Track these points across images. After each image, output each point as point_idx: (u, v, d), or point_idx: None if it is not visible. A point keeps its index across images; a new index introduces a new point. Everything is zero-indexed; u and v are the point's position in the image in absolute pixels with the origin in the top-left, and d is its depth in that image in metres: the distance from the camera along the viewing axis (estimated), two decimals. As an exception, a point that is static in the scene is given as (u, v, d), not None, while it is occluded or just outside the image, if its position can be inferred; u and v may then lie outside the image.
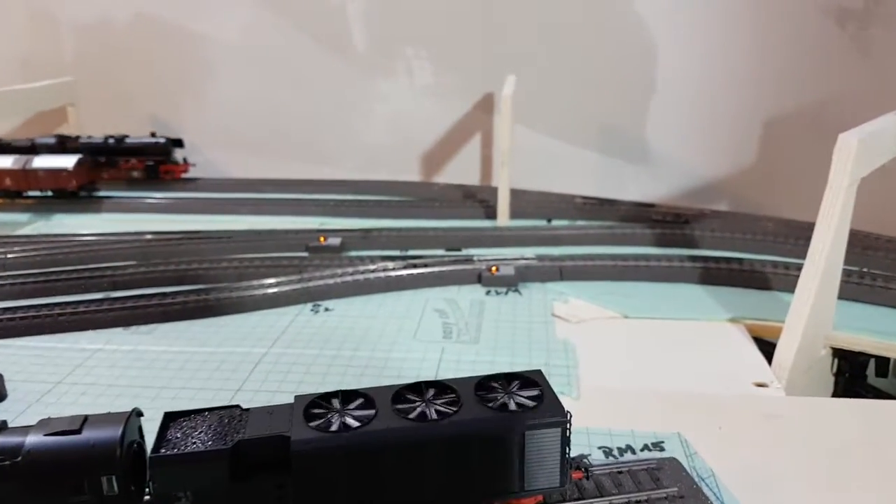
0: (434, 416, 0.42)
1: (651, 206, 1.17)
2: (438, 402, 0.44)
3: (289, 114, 1.53)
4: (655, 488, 0.48)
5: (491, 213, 1.17)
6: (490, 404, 0.44)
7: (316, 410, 0.42)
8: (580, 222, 1.15)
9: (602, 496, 0.47)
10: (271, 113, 1.54)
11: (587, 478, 0.47)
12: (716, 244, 1.00)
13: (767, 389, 0.67)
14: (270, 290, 0.81)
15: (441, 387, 0.45)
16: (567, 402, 0.62)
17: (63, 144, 1.31)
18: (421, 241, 1.03)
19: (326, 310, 0.80)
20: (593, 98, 1.49)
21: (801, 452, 0.57)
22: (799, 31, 1.41)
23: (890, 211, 1.08)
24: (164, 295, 0.79)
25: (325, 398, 0.43)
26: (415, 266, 0.89)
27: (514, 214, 1.18)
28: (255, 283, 0.83)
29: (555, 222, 1.16)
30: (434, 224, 1.10)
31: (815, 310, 0.70)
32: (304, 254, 0.97)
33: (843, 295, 0.83)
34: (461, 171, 1.52)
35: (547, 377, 0.66)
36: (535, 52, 1.47)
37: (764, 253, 0.96)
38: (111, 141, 1.32)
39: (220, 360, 0.68)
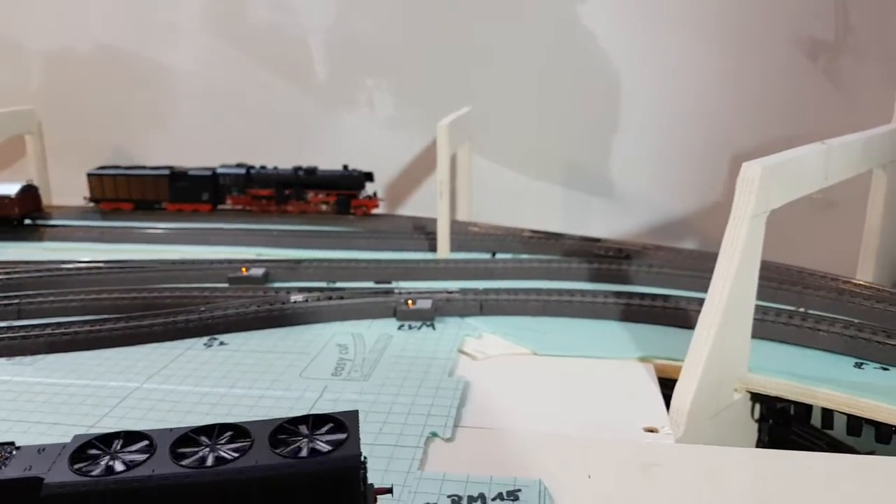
0: (211, 461, 0.39)
1: (597, 240, 1.14)
2: (227, 446, 0.41)
3: (250, 144, 1.53)
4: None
5: (435, 246, 1.15)
6: (279, 449, 0.41)
7: (90, 451, 0.40)
8: (523, 256, 1.12)
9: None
10: (233, 143, 1.54)
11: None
12: (651, 280, 0.96)
13: (656, 435, 0.62)
14: (159, 321, 0.79)
15: (239, 430, 0.42)
16: (436, 445, 0.60)
17: (248, 173, 1.33)
18: (351, 273, 1.01)
19: (221, 343, 0.78)
20: (557, 133, 1.47)
21: (671, 506, 0.53)
22: (769, 65, 1.38)
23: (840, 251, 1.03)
24: (57, 325, 0.78)
25: (105, 439, 0.41)
26: (329, 298, 0.87)
27: (461, 247, 1.15)
28: (152, 313, 0.81)
29: (499, 255, 1.13)
30: (368, 256, 1.08)
31: (718, 350, 0.65)
32: (224, 285, 0.95)
33: (778, 337, 0.79)
34: (422, 202, 1.50)
35: (426, 416, 0.64)
36: (497, 86, 1.46)
37: (698, 290, 0.92)
38: (301, 172, 1.30)
39: (88, 394, 0.65)
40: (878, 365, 0.72)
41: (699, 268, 0.97)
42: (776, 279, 0.91)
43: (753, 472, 0.57)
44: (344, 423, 0.44)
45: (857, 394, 0.67)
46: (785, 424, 0.74)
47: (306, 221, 1.27)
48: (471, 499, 0.52)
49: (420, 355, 0.76)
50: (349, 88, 1.49)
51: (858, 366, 0.73)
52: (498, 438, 0.61)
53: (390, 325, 0.84)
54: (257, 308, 0.83)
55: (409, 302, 0.86)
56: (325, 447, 0.41)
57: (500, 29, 1.42)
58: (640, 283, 0.96)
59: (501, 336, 0.82)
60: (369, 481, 0.45)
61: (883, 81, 1.26)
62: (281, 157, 1.52)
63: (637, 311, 0.85)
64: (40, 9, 1.56)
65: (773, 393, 0.71)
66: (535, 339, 0.81)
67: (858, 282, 0.91)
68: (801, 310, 0.84)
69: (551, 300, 0.89)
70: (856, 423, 0.68)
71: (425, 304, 0.86)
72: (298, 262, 1.01)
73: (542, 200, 1.51)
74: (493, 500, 0.51)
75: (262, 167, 1.34)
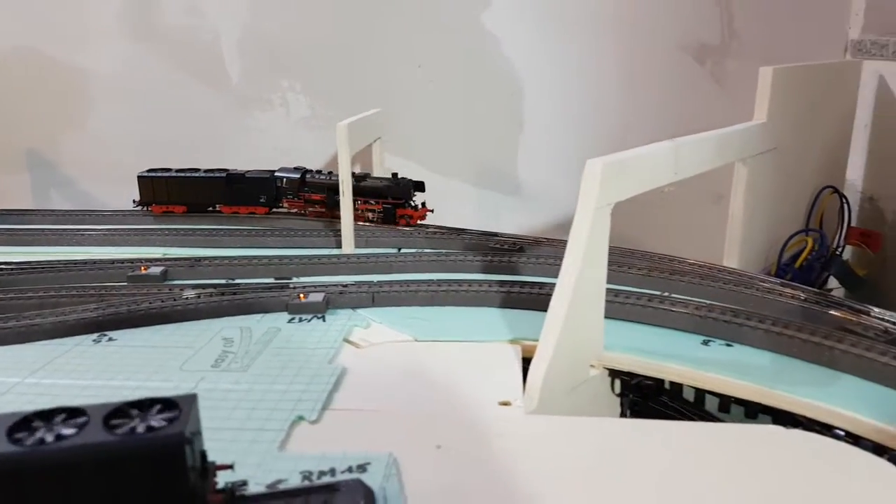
0: (50, 440, 0.42)
1: (495, 235, 1.19)
2: (63, 428, 0.44)
3: (166, 146, 1.54)
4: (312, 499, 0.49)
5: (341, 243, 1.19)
6: (111, 429, 0.44)
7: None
8: (426, 250, 1.16)
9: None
10: (149, 145, 1.55)
11: (231, 500, 0.47)
12: (536, 271, 1.02)
13: (509, 408, 0.68)
14: (49, 319, 0.81)
15: (76, 411, 0.45)
16: (301, 427, 0.64)
17: (304, 178, 1.31)
18: (251, 270, 1.04)
19: (110, 339, 0.80)
20: (468, 133, 1.53)
21: (513, 470, 0.58)
22: (661, 67, 1.47)
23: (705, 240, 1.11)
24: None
25: (-51, 424, 0.44)
26: (221, 294, 0.90)
27: (368, 244, 1.20)
28: (44, 312, 0.83)
29: (404, 250, 1.18)
30: (272, 253, 1.11)
31: (569, 329, 0.71)
32: (123, 283, 0.97)
33: (636, 318, 0.86)
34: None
35: (296, 402, 0.68)
36: (410, 87, 1.51)
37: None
38: (352, 179, 1.27)
39: (-37, 391, 0.67)
40: (723, 342, 0.79)
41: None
42: (647, 267, 0.98)
43: (593, 437, 0.63)
44: (178, 404, 0.47)
45: (701, 368, 0.74)
46: (642, 398, 0.80)
47: (212, 221, 1.28)
48: (321, 473, 0.56)
49: (304, 346, 0.80)
50: (263, 90, 1.52)
51: (706, 343, 0.79)
52: (361, 419, 0.65)
53: (281, 318, 0.88)
54: (149, 305, 0.86)
55: (301, 295, 0.89)
56: (158, 425, 0.45)
57: (412, 32, 1.47)
58: (526, 273, 1.02)
59: (388, 325, 0.87)
60: (217, 461, 0.48)
61: (762, 82, 1.35)
62: (198, 158, 1.53)
63: (515, 298, 0.91)
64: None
65: (626, 368, 0.77)
66: (419, 326, 0.85)
67: (722, 267, 0.99)
68: (666, 294, 0.91)
69: (440, 290, 0.94)
70: (700, 395, 0.75)
71: (317, 297, 0.90)
72: (198, 259, 1.04)
73: (456, 198, 1.56)
74: (343, 472, 0.56)
75: (318, 171, 1.32)
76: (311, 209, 1.32)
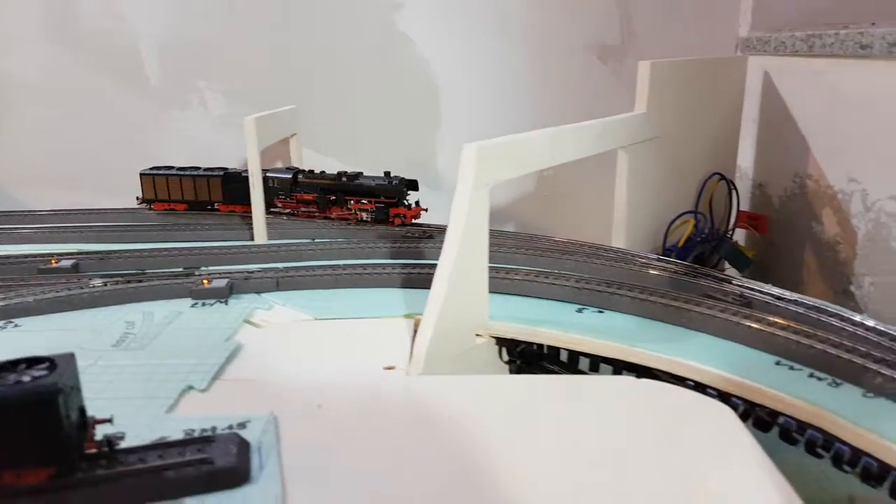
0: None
1: (408, 225, 1.25)
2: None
3: (89, 147, 1.56)
4: (187, 456, 0.53)
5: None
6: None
7: None
8: (340, 240, 1.21)
9: (123, 465, 0.51)
10: (72, 147, 1.56)
11: (109, 449, 0.51)
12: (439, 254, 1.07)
13: (392, 372, 0.73)
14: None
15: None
16: (191, 395, 0.68)
17: (296, 177, 1.29)
18: (161, 261, 1.07)
19: (16, 326, 0.83)
20: (388, 129, 1.58)
21: (386, 422, 0.63)
22: (568, 66, 1.55)
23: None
24: None
25: None
26: (128, 282, 0.93)
27: (283, 236, 1.24)
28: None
29: (318, 240, 1.22)
30: (184, 245, 1.14)
31: (452, 301, 0.77)
32: (34, 276, 0.99)
33: (520, 291, 0.92)
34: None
35: (188, 374, 0.71)
36: (328, 85, 1.55)
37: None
38: (344, 178, 1.26)
39: None
40: (595, 309, 0.86)
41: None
42: (541, 248, 1.05)
43: (464, 392, 0.68)
44: (55, 362, 0.51)
45: (575, 332, 0.81)
46: (526, 363, 0.87)
47: (118, 219, 1.31)
48: (203, 430, 0.60)
49: (203, 326, 0.83)
50: (182, 90, 1.54)
51: (580, 311, 0.86)
52: (250, 388, 0.69)
53: (185, 303, 0.91)
54: (56, 293, 0.88)
55: (205, 281, 0.93)
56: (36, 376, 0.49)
57: (329, 32, 1.52)
58: (430, 257, 1.08)
59: (291, 307, 0.91)
60: (98, 416, 0.52)
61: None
62: (119, 160, 1.55)
63: (415, 278, 0.96)
64: None
65: (508, 335, 0.83)
66: (320, 307, 0.90)
67: (609, 247, 1.07)
68: (554, 270, 0.98)
69: (344, 274, 0.98)
70: (575, 357, 0.82)
71: (220, 282, 0.93)
72: (109, 253, 1.06)
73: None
74: (224, 429, 0.60)
75: (311, 171, 1.31)
76: (303, 209, 1.31)
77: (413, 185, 1.25)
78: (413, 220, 1.25)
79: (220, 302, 0.92)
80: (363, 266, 1.01)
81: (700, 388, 0.71)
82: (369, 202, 1.24)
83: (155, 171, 1.37)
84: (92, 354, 0.75)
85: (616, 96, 1.53)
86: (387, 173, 1.26)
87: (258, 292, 0.95)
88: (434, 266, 0.98)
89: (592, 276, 0.92)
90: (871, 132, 1.10)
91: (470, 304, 0.81)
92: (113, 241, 1.20)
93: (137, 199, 1.39)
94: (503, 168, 0.81)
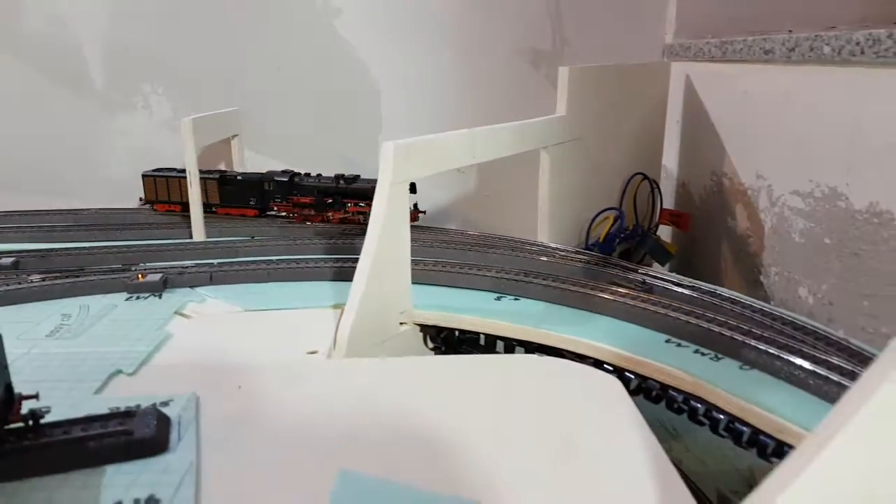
0: None
1: (344, 221, 1.29)
2: None
3: (34, 150, 1.56)
4: (108, 428, 0.57)
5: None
6: None
7: None
8: (277, 237, 1.25)
9: (48, 437, 0.55)
10: (17, 150, 1.57)
11: (33, 423, 0.55)
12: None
13: (314, 356, 0.78)
14: None
15: None
16: (119, 379, 0.71)
17: (292, 181, 1.27)
18: (101, 259, 1.09)
19: (-51, 320, 0.85)
20: (330, 132, 1.62)
21: (302, 401, 0.67)
22: (502, 71, 1.62)
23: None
24: None
25: None
26: (66, 278, 0.96)
27: (223, 234, 1.27)
28: None
29: (257, 238, 1.26)
30: (121, 243, 1.17)
31: (373, 290, 0.81)
32: (-29, 274, 1.01)
33: (445, 282, 0.98)
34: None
35: (118, 360, 0.75)
36: (271, 88, 1.59)
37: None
38: (341, 181, 1.24)
39: None
40: (512, 297, 0.93)
41: (417, 238, 1.16)
42: (470, 243, 1.11)
43: (381, 373, 0.73)
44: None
45: (492, 318, 0.87)
46: (449, 349, 0.92)
47: (61, 220, 1.33)
48: (128, 407, 0.64)
49: (136, 318, 0.87)
50: (126, 94, 1.56)
51: (498, 299, 0.92)
52: (175, 372, 0.73)
53: (120, 297, 0.95)
54: (-7, 288, 0.91)
55: (140, 276, 0.96)
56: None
57: (270, 37, 1.56)
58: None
59: (223, 299, 0.95)
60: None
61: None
62: (63, 164, 1.56)
63: (346, 271, 1.01)
64: None
65: (431, 322, 0.89)
66: (252, 299, 0.94)
67: (533, 242, 1.13)
68: (479, 264, 1.04)
69: (278, 268, 1.03)
70: (492, 341, 0.88)
71: (155, 277, 0.97)
72: (49, 251, 1.09)
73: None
74: (147, 406, 0.64)
75: (307, 174, 1.31)
76: (299, 212, 1.31)
77: (412, 187, 1.24)
78: (413, 223, 1.22)
79: (154, 295, 0.95)
80: (296, 261, 1.05)
81: (598, 364, 0.78)
82: (367, 205, 1.23)
83: (156, 173, 1.38)
84: (26, 344, 0.78)
85: (549, 100, 1.59)
86: None
87: (192, 286, 0.99)
88: (357, 259, 1.04)
89: (512, 268, 0.98)
90: (774, 131, 1.19)
91: (393, 293, 0.86)
92: (54, 240, 1.23)
93: (140, 199, 1.40)
94: (420, 165, 0.87)
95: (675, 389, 0.72)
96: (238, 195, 1.32)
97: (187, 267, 1.01)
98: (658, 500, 0.50)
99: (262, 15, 1.54)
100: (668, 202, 1.57)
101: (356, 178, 1.27)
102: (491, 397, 0.66)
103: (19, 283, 0.93)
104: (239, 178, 1.34)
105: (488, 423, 0.61)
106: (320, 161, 1.59)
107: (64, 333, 0.81)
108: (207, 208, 1.37)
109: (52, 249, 1.10)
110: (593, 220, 1.23)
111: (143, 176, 1.39)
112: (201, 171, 1.37)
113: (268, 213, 1.36)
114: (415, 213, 1.26)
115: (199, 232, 1.21)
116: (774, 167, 1.20)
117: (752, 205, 1.26)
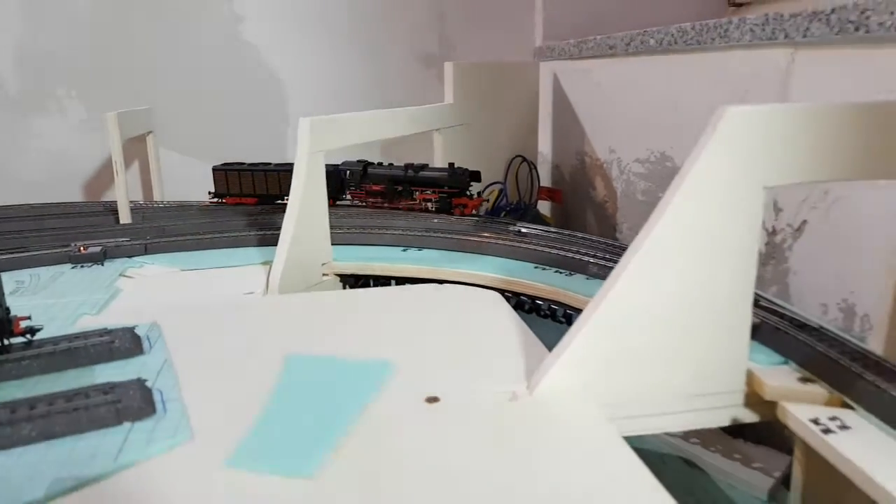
0: None
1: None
2: None
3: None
4: (92, 339, 0.71)
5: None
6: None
7: None
8: (203, 219, 1.38)
9: (43, 346, 0.68)
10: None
11: (31, 335, 0.68)
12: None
13: (251, 295, 0.94)
14: None
15: None
16: (85, 319, 0.84)
17: (366, 170, 1.29)
18: (40, 240, 1.19)
19: None
20: (240, 127, 1.76)
21: (244, 322, 0.83)
22: (399, 71, 1.81)
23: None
24: None
25: None
26: (11, 253, 1.06)
27: (146, 219, 1.39)
28: None
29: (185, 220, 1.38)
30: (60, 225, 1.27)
31: (296, 245, 0.98)
32: None
33: (363, 241, 1.15)
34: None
35: (80, 305, 0.87)
36: (182, 88, 1.71)
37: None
38: (410, 170, 1.26)
39: None
40: (415, 248, 1.11)
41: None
42: (380, 213, 1.29)
43: (306, 302, 0.90)
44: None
45: (398, 264, 1.05)
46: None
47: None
48: (97, 333, 0.77)
49: (84, 280, 0.99)
50: (40, 98, 1.63)
51: (404, 250, 1.11)
52: (133, 311, 0.87)
53: (65, 267, 1.06)
54: (-59, 264, 1.00)
55: (81, 248, 1.08)
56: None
57: (179, 42, 1.68)
58: (282, 225, 1.28)
59: (159, 264, 1.08)
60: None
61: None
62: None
63: (270, 238, 1.16)
64: None
65: (349, 272, 1.06)
66: (186, 262, 1.08)
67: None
68: (389, 224, 1.22)
69: (205, 238, 1.17)
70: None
71: (95, 248, 1.08)
72: (-9, 235, 1.17)
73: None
74: (114, 331, 0.78)
75: (380, 163, 1.35)
76: (371, 199, 1.36)
77: (476, 176, 1.29)
78: (473, 211, 1.30)
79: (97, 264, 1.07)
80: (222, 232, 1.19)
81: (485, 288, 0.98)
82: (433, 192, 1.29)
83: (227, 167, 1.42)
84: (-11, 301, 0.88)
85: (440, 97, 1.82)
86: (451, 164, 1.29)
87: (129, 256, 1.11)
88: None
89: (418, 226, 1.17)
90: (621, 112, 1.45)
91: (315, 246, 1.03)
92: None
93: (210, 193, 1.44)
94: (331, 138, 1.04)
95: (540, 299, 0.93)
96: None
97: (123, 241, 1.13)
98: (523, 356, 0.70)
99: (169, 21, 1.66)
100: (546, 181, 1.81)
101: (424, 166, 1.32)
102: (402, 312, 0.84)
103: (-32, 259, 1.02)
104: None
105: (402, 326, 0.80)
106: (233, 155, 1.73)
107: (24, 293, 0.92)
108: (280, 199, 1.42)
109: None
110: (482, 191, 1.44)
111: (214, 170, 1.43)
112: (274, 164, 1.43)
113: (340, 200, 1.40)
114: (478, 200, 1.33)
115: (125, 216, 1.32)
116: (622, 142, 1.46)
117: (607, 175, 1.52)
